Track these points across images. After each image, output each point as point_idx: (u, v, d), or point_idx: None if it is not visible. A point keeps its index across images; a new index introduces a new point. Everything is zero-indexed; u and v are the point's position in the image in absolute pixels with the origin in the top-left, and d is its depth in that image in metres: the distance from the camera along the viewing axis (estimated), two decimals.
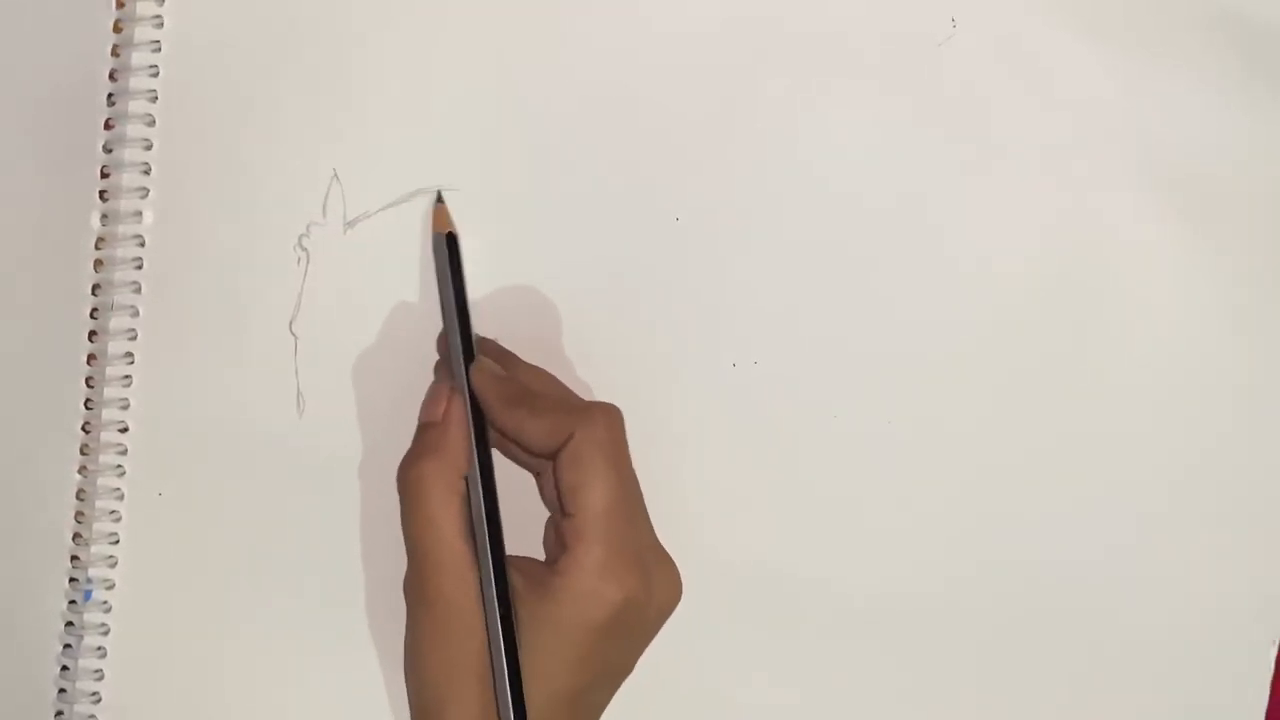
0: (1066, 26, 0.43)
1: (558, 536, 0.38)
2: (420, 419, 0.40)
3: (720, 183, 0.43)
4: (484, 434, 0.39)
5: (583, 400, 0.40)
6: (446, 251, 0.40)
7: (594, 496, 0.37)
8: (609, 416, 0.38)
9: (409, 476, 0.38)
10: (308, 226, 0.43)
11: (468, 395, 0.39)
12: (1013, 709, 0.43)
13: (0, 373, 0.43)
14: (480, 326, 0.41)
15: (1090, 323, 0.43)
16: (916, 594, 0.43)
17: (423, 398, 0.40)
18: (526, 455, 0.40)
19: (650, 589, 0.37)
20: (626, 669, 0.39)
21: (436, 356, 0.42)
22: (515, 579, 0.37)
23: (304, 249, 0.43)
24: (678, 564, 0.39)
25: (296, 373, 0.43)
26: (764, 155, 0.43)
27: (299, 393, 0.43)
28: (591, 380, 0.42)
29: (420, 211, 0.42)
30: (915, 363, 0.43)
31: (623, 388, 0.40)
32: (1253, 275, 0.43)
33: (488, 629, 0.37)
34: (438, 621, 0.37)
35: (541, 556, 0.40)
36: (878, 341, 0.43)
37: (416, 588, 0.38)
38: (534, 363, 0.41)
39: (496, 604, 0.36)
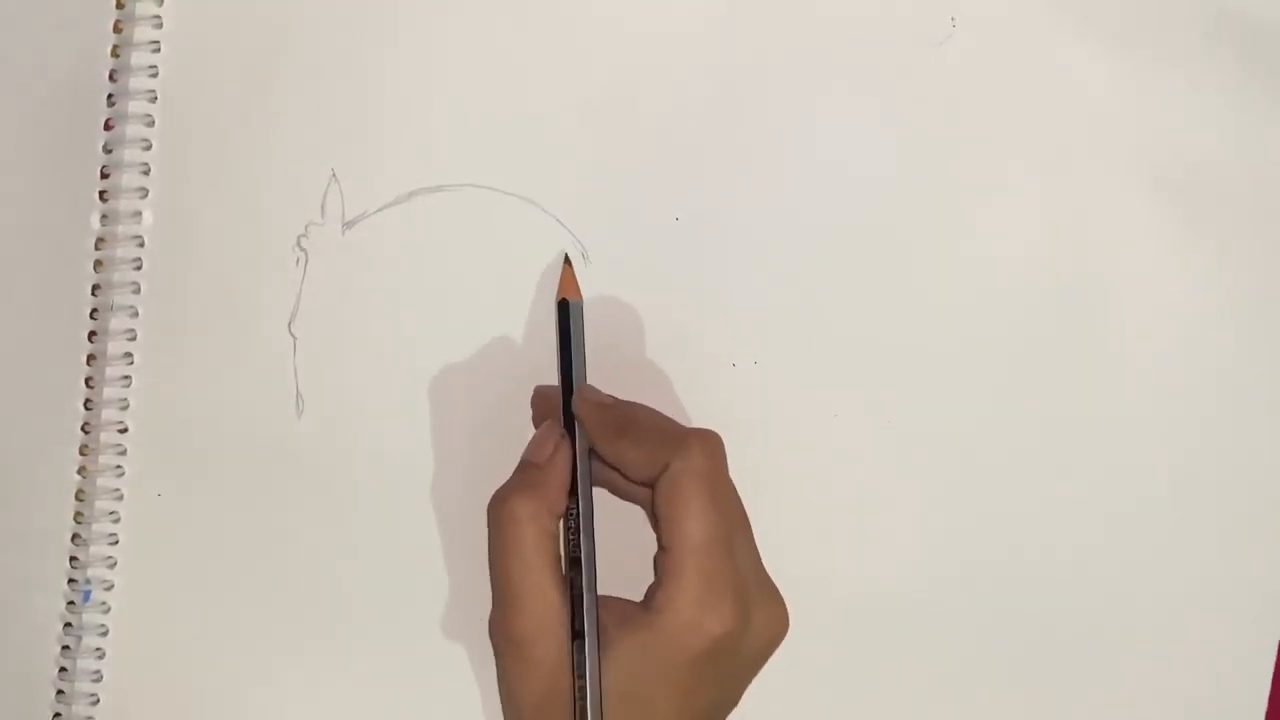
0: (1066, 27, 0.43)
1: (655, 570, 0.37)
2: (525, 456, 0.39)
3: (720, 183, 0.43)
4: (589, 477, 0.38)
5: (682, 428, 0.38)
6: (568, 319, 0.40)
7: (689, 528, 0.35)
8: (706, 445, 0.37)
9: (504, 511, 0.36)
10: (306, 227, 0.43)
11: (574, 441, 0.38)
12: (1013, 708, 0.43)
13: (0, 373, 0.43)
14: (479, 324, 0.41)
15: (1090, 322, 0.43)
16: (916, 594, 0.43)
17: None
18: (630, 486, 0.39)
19: (748, 622, 0.36)
20: (726, 705, 0.37)
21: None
22: (604, 618, 0.36)
23: (303, 249, 0.43)
24: None
25: (295, 373, 0.43)
26: (764, 155, 0.43)
27: (298, 393, 0.43)
28: (591, 381, 0.42)
29: (418, 211, 0.42)
30: (916, 363, 0.43)
31: (622, 388, 0.40)
32: (1253, 274, 0.43)
33: (574, 671, 0.35)
34: (527, 661, 0.36)
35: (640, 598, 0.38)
36: (878, 341, 0.43)
37: (505, 627, 0.36)
38: (534, 365, 0.41)
39: (587, 643, 0.35)
